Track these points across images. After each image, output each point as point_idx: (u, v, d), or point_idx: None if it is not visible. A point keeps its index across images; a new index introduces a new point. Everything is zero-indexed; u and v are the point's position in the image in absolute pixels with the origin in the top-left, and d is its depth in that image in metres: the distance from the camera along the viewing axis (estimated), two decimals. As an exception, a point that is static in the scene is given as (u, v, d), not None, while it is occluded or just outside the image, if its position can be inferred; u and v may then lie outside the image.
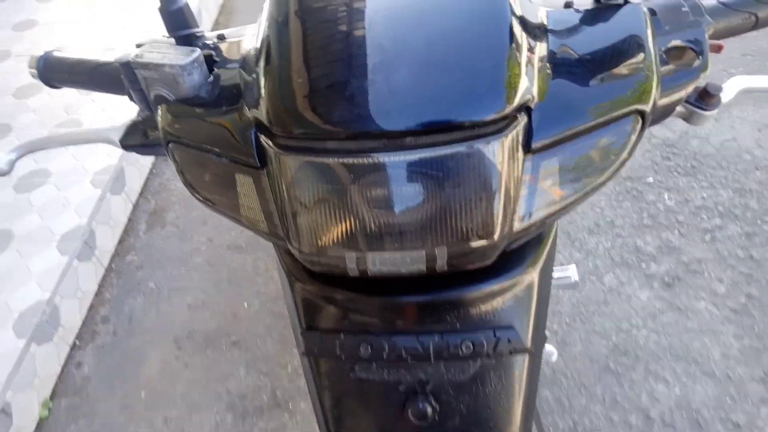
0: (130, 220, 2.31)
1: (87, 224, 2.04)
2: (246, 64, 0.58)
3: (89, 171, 2.23)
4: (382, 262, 0.52)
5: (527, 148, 0.49)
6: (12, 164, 0.71)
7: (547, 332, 1.02)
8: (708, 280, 1.82)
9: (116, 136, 0.70)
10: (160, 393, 1.76)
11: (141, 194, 2.42)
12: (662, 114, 0.59)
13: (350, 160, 0.47)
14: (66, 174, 2.23)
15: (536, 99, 0.49)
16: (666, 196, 2.08)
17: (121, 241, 2.23)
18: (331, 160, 0.47)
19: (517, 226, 0.52)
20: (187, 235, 2.23)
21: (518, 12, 0.52)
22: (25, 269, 1.91)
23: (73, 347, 1.90)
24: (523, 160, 0.50)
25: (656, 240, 1.95)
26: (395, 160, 0.46)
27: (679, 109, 0.60)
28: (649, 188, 2.12)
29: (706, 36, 0.57)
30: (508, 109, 0.47)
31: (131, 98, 0.63)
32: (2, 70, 2.79)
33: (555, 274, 1.11)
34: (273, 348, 1.83)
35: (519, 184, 0.50)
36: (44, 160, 2.29)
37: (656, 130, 2.32)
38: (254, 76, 0.54)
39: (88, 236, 2.03)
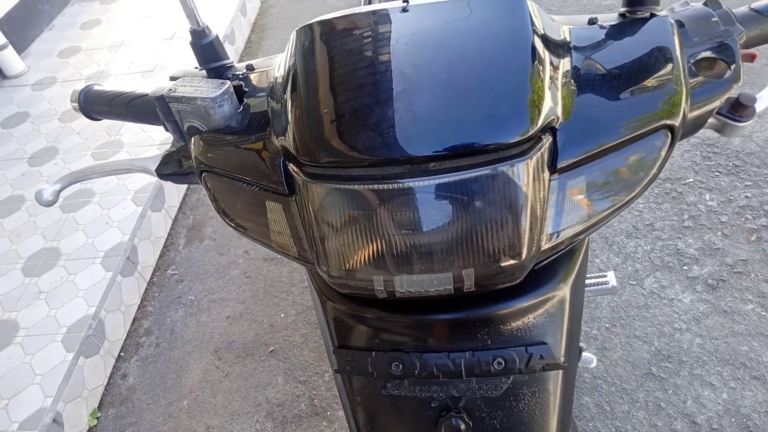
0: (169, 235, 2.39)
1: (129, 241, 2.11)
2: (273, 94, 0.60)
3: (130, 189, 2.31)
4: (409, 284, 0.52)
5: (553, 168, 0.49)
6: (57, 194, 0.75)
7: (582, 345, 1.01)
8: (755, 282, 1.75)
9: (153, 166, 0.73)
10: (202, 402, 1.81)
11: (180, 210, 2.49)
12: (693, 127, 0.58)
13: (376, 186, 0.48)
14: (109, 193, 2.32)
15: (561, 119, 0.49)
16: (707, 197, 2.01)
17: (161, 256, 2.30)
18: (357, 187, 0.48)
19: (545, 245, 0.52)
20: (224, 249, 2.28)
21: (540, 32, 0.52)
22: (72, 285, 1.99)
23: (119, 359, 1.98)
24: (549, 180, 0.49)
25: (698, 242, 1.89)
26: (420, 185, 0.47)
27: (711, 120, 0.59)
28: (689, 189, 2.05)
29: (738, 45, 0.55)
30: (532, 131, 0.47)
31: (166, 129, 0.66)
32: (49, 96, 2.93)
33: (592, 280, 1.09)
34: (310, 357, 1.86)
35: (545, 204, 0.50)
36: (88, 181, 2.39)
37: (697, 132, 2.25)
38: (281, 105, 0.56)
39: (131, 252, 2.11)
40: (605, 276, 1.10)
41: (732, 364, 1.59)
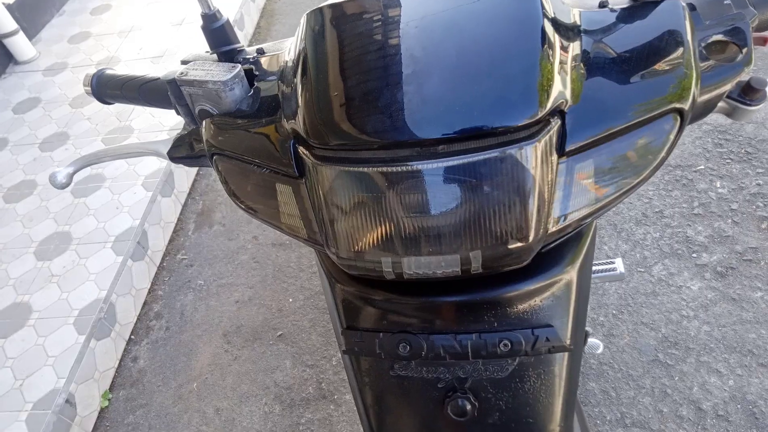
0: (179, 220, 2.41)
1: (139, 225, 2.13)
2: (283, 77, 0.60)
3: (141, 175, 2.33)
4: (417, 265, 0.53)
5: (561, 151, 0.49)
6: (70, 177, 0.76)
7: (588, 329, 1.02)
8: (764, 270, 1.74)
9: (164, 149, 0.73)
10: (211, 385, 1.83)
11: (189, 195, 2.51)
12: (703, 110, 0.57)
13: (385, 169, 0.48)
14: (119, 178, 2.34)
15: (570, 102, 0.49)
16: (718, 184, 2.00)
17: (171, 241, 2.32)
18: (366, 169, 0.49)
19: (552, 228, 0.52)
20: (233, 234, 2.30)
21: (551, 15, 0.52)
22: (84, 269, 2.02)
23: (129, 342, 2.01)
24: (557, 163, 0.50)
25: (708, 229, 1.88)
26: (429, 168, 0.47)
27: (721, 104, 0.58)
28: (700, 176, 2.04)
29: (750, 29, 0.55)
30: (541, 114, 0.47)
31: (178, 112, 0.67)
32: (60, 81, 2.94)
33: (600, 267, 1.09)
34: (317, 341, 1.88)
35: (553, 187, 0.50)
36: (99, 166, 2.41)
37: (707, 116, 2.23)
38: (291, 89, 0.56)
39: (141, 237, 2.13)
40: (613, 263, 1.11)
41: (739, 351, 1.59)
